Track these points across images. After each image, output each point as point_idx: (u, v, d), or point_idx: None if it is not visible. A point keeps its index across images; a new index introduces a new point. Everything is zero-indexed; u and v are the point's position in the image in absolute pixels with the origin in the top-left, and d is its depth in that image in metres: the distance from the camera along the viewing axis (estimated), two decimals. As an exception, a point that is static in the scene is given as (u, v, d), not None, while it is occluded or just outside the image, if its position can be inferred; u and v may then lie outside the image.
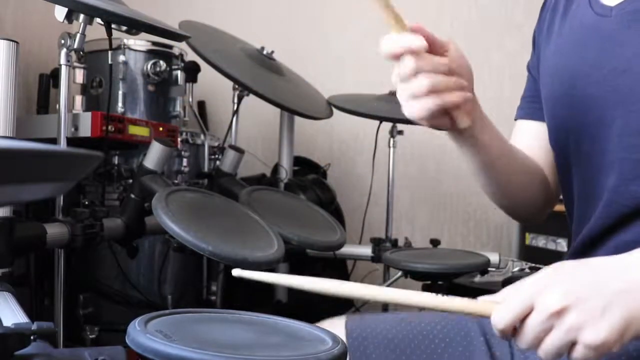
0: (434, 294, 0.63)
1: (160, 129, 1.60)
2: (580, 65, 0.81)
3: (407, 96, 0.72)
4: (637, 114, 0.73)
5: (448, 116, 0.75)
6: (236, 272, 0.71)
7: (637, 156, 0.74)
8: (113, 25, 1.34)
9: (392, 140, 2.00)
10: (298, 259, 1.86)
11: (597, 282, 0.58)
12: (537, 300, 0.57)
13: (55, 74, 1.74)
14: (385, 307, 2.00)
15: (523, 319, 0.58)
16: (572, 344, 0.56)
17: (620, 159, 0.76)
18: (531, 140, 0.96)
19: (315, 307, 2.02)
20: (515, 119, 1.00)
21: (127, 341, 0.61)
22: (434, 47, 0.71)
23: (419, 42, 0.69)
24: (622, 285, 0.57)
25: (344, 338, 0.84)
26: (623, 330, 0.56)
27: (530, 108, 0.96)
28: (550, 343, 0.57)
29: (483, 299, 0.62)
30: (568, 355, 0.57)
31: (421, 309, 0.66)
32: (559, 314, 0.56)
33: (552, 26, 0.90)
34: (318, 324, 0.87)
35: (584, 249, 0.82)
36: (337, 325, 0.87)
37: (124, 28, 1.38)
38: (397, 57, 0.71)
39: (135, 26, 1.29)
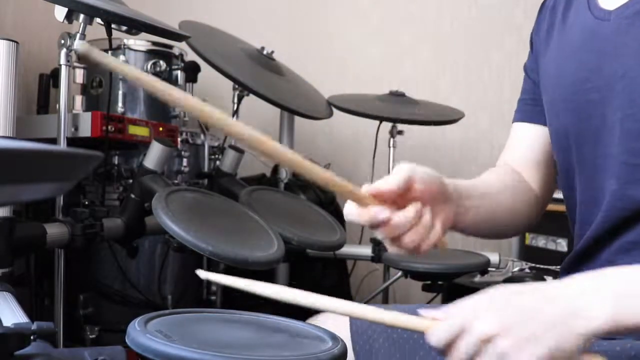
0: (373, 308, 0.65)
1: (160, 129, 1.60)
2: (580, 70, 0.80)
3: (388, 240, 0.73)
4: (636, 118, 0.73)
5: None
6: (202, 274, 0.71)
7: (637, 160, 0.74)
8: (113, 25, 1.35)
9: (392, 140, 1.99)
10: (298, 259, 1.86)
11: (529, 311, 0.59)
12: (470, 323, 0.59)
13: (55, 74, 1.74)
14: (385, 299, 2.00)
15: (457, 339, 0.60)
16: None
17: (620, 163, 0.75)
18: (528, 144, 0.96)
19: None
20: (513, 122, 0.99)
21: (127, 341, 0.62)
22: (401, 193, 0.72)
23: (382, 216, 0.69)
24: (551, 316, 0.58)
25: (348, 335, 0.84)
26: (557, 354, 0.57)
27: (527, 111, 0.96)
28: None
29: (425, 314, 0.64)
30: None
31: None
32: (489, 339, 0.58)
33: (552, 29, 0.89)
34: (321, 316, 0.87)
35: (589, 251, 0.82)
36: (340, 322, 0.87)
37: (124, 28, 1.39)
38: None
39: (136, 26, 1.29)
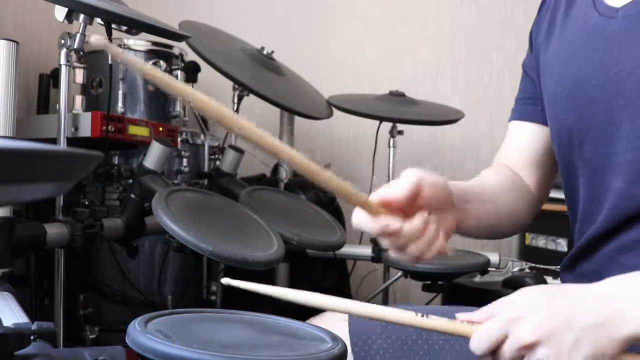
0: (414, 314, 0.65)
1: (160, 129, 1.59)
2: (584, 67, 0.80)
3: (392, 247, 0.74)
4: None
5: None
6: (225, 280, 0.71)
7: None
8: (113, 25, 1.34)
9: (392, 140, 1.99)
10: (298, 259, 1.86)
11: (569, 315, 0.59)
12: (511, 329, 0.60)
13: (55, 74, 1.74)
14: (384, 301, 2.00)
15: (500, 345, 0.61)
16: None
17: (627, 161, 0.75)
18: (526, 143, 0.95)
19: (315, 307, 2.02)
20: (509, 121, 0.99)
21: (127, 341, 0.62)
22: (408, 201, 0.72)
23: (394, 227, 0.69)
24: (593, 319, 0.59)
25: (346, 336, 0.84)
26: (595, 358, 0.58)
27: (525, 110, 0.95)
28: None
29: (462, 318, 0.65)
30: None
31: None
32: (531, 346, 0.59)
33: (553, 27, 0.89)
34: (319, 316, 0.87)
35: (590, 249, 0.82)
36: (339, 323, 0.87)
37: (124, 28, 1.38)
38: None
39: (135, 26, 1.29)
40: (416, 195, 0.71)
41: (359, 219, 0.71)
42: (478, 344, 0.62)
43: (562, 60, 0.85)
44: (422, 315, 0.65)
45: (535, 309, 0.61)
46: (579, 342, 0.58)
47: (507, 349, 0.60)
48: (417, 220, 0.70)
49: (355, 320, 0.89)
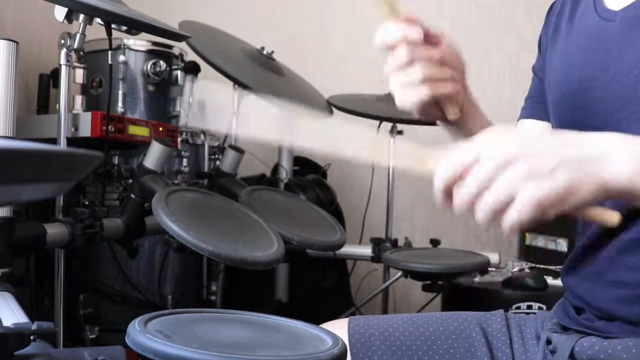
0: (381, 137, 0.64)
1: (160, 129, 1.60)
2: (585, 68, 0.81)
3: (401, 85, 0.75)
4: (639, 116, 0.73)
5: (438, 107, 0.78)
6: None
7: None
8: (113, 25, 1.34)
9: (392, 140, 1.99)
10: (298, 259, 1.86)
11: (553, 143, 0.58)
12: (483, 152, 0.56)
13: (55, 74, 1.74)
14: (384, 307, 2.00)
15: (466, 171, 0.57)
16: (510, 201, 0.55)
17: None
18: None
19: (315, 307, 2.03)
20: (519, 119, 1.00)
21: (127, 341, 0.61)
22: (427, 37, 0.73)
23: (415, 33, 0.70)
24: (580, 152, 0.57)
25: (346, 339, 0.84)
26: (565, 194, 0.55)
27: (534, 108, 0.97)
28: (490, 197, 0.56)
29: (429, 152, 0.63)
30: (501, 220, 0.56)
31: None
32: (507, 163, 0.55)
33: (558, 30, 0.90)
34: (321, 326, 0.87)
35: (590, 249, 0.82)
36: (339, 327, 0.88)
37: (124, 28, 1.38)
38: (392, 47, 0.73)
39: (135, 26, 1.29)
40: (435, 42, 0.73)
41: (385, 27, 0.73)
42: (444, 168, 0.58)
43: (565, 63, 0.86)
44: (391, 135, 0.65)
45: (512, 137, 0.59)
46: (559, 168, 0.55)
47: (480, 168, 0.56)
48: (435, 49, 0.72)
49: (354, 322, 0.90)
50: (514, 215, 0.55)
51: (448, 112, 0.78)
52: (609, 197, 0.58)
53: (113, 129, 1.43)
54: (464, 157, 0.57)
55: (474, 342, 0.86)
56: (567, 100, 0.84)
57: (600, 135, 0.61)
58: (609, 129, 0.77)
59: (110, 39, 1.35)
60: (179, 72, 1.78)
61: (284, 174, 1.99)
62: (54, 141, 1.32)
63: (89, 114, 1.42)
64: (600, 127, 0.78)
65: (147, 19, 1.26)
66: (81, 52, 1.33)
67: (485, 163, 0.56)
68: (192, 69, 1.83)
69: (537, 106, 0.96)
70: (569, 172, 0.55)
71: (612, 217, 0.60)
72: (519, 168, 0.55)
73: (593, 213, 0.60)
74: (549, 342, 0.82)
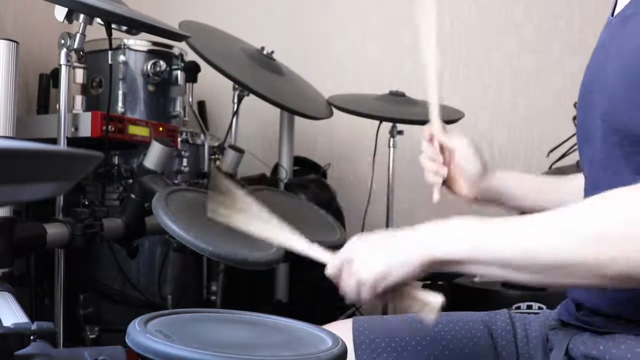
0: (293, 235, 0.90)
1: (160, 129, 1.60)
2: (588, 74, 0.84)
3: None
4: (610, 117, 0.74)
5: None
6: None
7: (615, 153, 0.75)
8: (113, 25, 1.34)
9: (392, 140, 1.99)
10: (298, 259, 1.86)
11: (376, 242, 0.76)
12: (343, 259, 0.78)
13: (55, 74, 1.74)
14: (385, 307, 2.00)
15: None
16: (358, 286, 0.74)
17: (601, 160, 0.78)
18: None
19: (315, 307, 2.02)
20: None
21: (127, 341, 0.61)
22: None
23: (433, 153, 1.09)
24: (389, 245, 0.74)
25: (350, 340, 0.84)
26: (385, 273, 0.72)
27: None
28: (344, 282, 0.77)
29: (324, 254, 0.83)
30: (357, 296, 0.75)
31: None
32: (349, 263, 0.76)
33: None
34: (325, 327, 0.88)
35: None
36: (343, 327, 0.88)
37: (124, 28, 1.38)
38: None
39: (136, 26, 1.29)
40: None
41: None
42: (329, 269, 0.80)
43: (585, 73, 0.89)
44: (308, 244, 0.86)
45: (358, 243, 0.78)
46: (375, 256, 0.74)
47: (333, 266, 0.79)
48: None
49: (359, 322, 0.90)
50: (363, 294, 0.75)
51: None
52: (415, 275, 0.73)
53: (113, 129, 1.43)
54: (335, 264, 0.79)
55: (479, 342, 0.86)
56: (579, 106, 0.86)
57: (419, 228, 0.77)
58: (592, 132, 0.78)
59: (110, 39, 1.35)
60: (179, 72, 1.78)
61: (284, 174, 1.99)
62: (54, 141, 1.32)
63: (89, 114, 1.42)
64: (592, 128, 0.79)
65: (147, 19, 1.26)
66: (81, 52, 1.33)
67: (337, 262, 0.79)
68: (192, 69, 1.83)
69: None
70: (382, 259, 0.73)
71: (435, 299, 0.74)
72: (353, 264, 0.75)
73: (417, 296, 0.75)
74: (547, 340, 0.82)
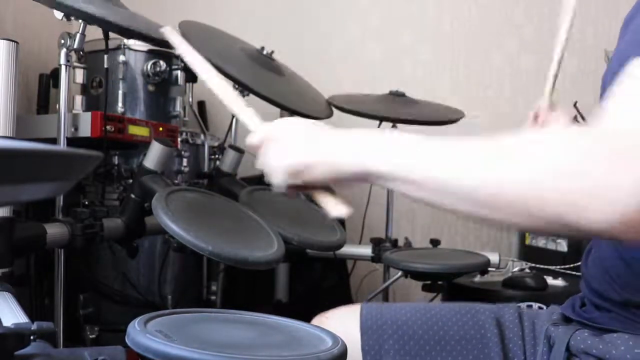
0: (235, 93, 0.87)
1: (160, 129, 1.60)
2: (608, 71, 0.84)
3: None
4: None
5: None
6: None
7: None
8: (112, 26, 1.34)
9: (392, 140, 1.99)
10: (298, 259, 1.86)
11: (306, 130, 0.73)
12: (264, 130, 0.75)
13: (55, 74, 1.74)
14: (385, 297, 1.99)
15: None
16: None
17: None
18: None
19: (315, 307, 2.02)
20: None
21: (127, 341, 0.61)
22: None
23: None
24: (320, 139, 0.71)
25: (357, 334, 0.85)
26: (306, 166, 0.69)
27: None
28: (261, 158, 0.74)
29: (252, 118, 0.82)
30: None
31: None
32: (271, 141, 0.73)
33: None
34: (331, 311, 0.88)
35: (591, 245, 0.84)
36: (351, 312, 0.88)
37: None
38: None
39: (130, 35, 1.29)
40: None
41: None
42: (249, 139, 0.77)
43: None
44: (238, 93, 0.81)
45: (284, 123, 0.76)
46: (295, 147, 0.71)
47: (253, 141, 0.76)
48: None
49: (367, 311, 0.90)
50: (273, 179, 0.72)
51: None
52: (341, 179, 0.70)
53: (113, 129, 1.43)
54: (258, 134, 0.76)
55: (487, 333, 0.87)
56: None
57: (348, 132, 0.71)
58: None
59: (106, 41, 1.35)
60: (179, 72, 1.78)
61: (284, 174, 1.99)
62: (54, 141, 1.32)
63: (89, 114, 1.42)
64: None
65: (144, 28, 1.26)
66: (81, 52, 1.33)
67: (257, 138, 0.76)
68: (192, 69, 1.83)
69: None
70: (305, 154, 0.70)
71: (339, 209, 0.73)
72: (271, 145, 0.73)
73: (324, 197, 0.74)
74: (549, 336, 0.83)
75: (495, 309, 0.91)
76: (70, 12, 1.18)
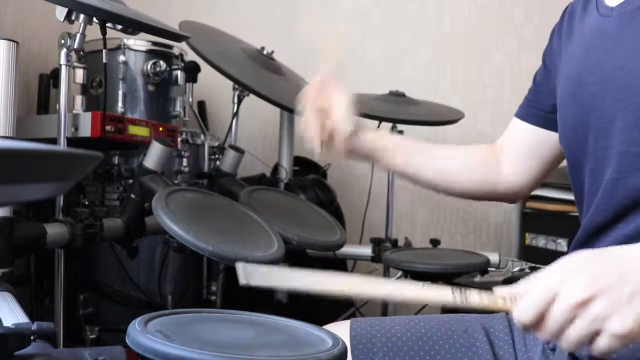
0: (450, 291, 0.64)
1: (160, 129, 1.60)
2: (585, 65, 0.84)
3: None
4: (633, 108, 0.75)
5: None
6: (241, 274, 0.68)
7: (636, 149, 0.75)
8: (109, 25, 1.34)
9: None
10: (298, 259, 1.86)
11: (619, 270, 0.57)
12: (560, 290, 0.57)
13: (55, 74, 1.74)
14: (384, 307, 2.00)
15: (546, 310, 0.58)
16: (596, 334, 0.56)
17: (620, 152, 0.77)
18: (516, 136, 1.03)
19: (316, 307, 2.02)
20: (514, 115, 1.05)
21: (127, 341, 0.61)
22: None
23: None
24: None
25: (347, 340, 0.84)
26: None
27: (527, 111, 1.03)
28: (574, 334, 0.56)
29: (501, 293, 0.64)
30: (591, 346, 0.57)
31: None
32: (584, 304, 0.56)
33: (570, 33, 0.93)
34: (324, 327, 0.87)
35: (587, 240, 0.83)
36: (341, 328, 0.88)
37: (119, 27, 1.38)
38: None
39: (135, 26, 1.29)
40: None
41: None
42: (524, 311, 0.59)
43: (570, 61, 0.89)
44: (460, 293, 0.63)
45: (581, 268, 0.58)
46: (636, 295, 0.55)
47: (557, 312, 0.56)
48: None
49: (356, 323, 0.90)
50: (604, 347, 0.56)
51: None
52: None
53: (113, 129, 1.43)
54: (541, 297, 0.58)
55: (476, 342, 0.86)
56: (568, 97, 0.87)
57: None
58: (606, 122, 0.78)
59: (104, 38, 1.35)
60: (179, 72, 1.78)
61: (284, 174, 1.99)
62: (54, 141, 1.32)
63: (89, 114, 1.42)
64: (598, 122, 0.80)
65: (147, 19, 1.26)
66: (81, 52, 1.33)
67: (563, 305, 0.57)
68: (192, 69, 1.83)
69: (529, 110, 1.02)
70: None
71: None
72: (597, 307, 0.55)
73: None
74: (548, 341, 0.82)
75: (484, 319, 0.90)
76: (73, 6, 1.18)
